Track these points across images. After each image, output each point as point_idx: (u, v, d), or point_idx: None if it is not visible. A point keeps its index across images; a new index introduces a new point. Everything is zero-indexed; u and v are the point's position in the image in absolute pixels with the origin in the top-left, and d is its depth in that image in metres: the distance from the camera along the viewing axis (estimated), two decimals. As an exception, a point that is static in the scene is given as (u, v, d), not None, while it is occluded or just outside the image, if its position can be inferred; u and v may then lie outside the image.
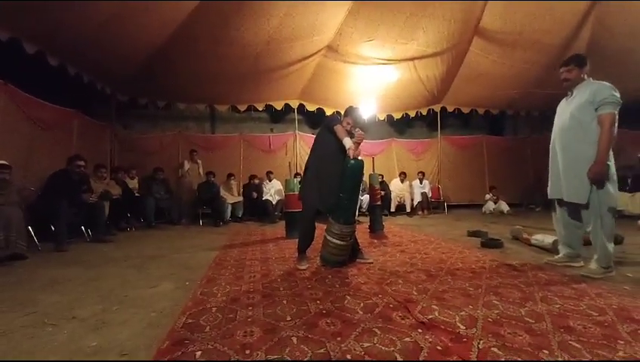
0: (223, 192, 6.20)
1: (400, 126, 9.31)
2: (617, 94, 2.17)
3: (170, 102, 6.65)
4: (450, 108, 7.77)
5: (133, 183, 5.81)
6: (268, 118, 8.73)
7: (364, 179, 3.37)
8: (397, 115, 7.95)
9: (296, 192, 3.55)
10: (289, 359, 1.23)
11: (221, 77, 5.79)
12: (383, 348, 1.29)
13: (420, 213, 7.22)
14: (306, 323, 1.55)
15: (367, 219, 5.03)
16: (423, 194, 7.35)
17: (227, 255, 3.23)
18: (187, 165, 6.52)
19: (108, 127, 6.37)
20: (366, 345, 1.32)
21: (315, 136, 2.91)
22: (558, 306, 1.69)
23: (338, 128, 2.57)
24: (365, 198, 6.08)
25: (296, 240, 2.80)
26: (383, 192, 6.01)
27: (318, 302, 1.84)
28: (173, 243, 4.01)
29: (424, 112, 7.91)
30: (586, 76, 2.36)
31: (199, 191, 6.12)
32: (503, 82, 6.58)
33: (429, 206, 7.45)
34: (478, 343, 1.31)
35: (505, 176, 8.26)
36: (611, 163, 2.18)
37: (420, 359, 1.21)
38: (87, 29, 4.00)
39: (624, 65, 5.69)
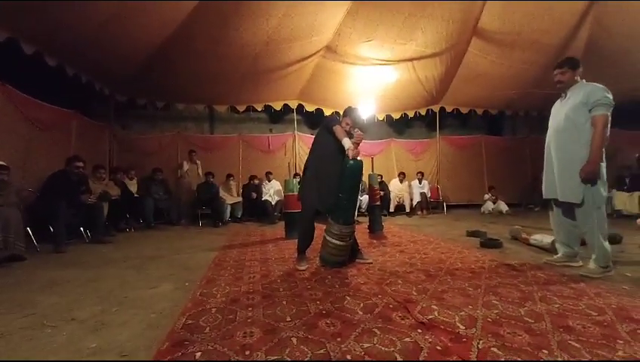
0: (222, 193, 6.20)
1: (399, 126, 9.32)
2: (610, 96, 2.21)
3: (168, 102, 6.64)
4: (448, 109, 7.77)
5: (132, 184, 5.80)
6: (267, 118, 8.72)
7: (363, 179, 3.38)
8: (396, 116, 7.96)
9: (296, 193, 3.55)
10: (289, 359, 1.23)
11: (220, 77, 5.78)
12: (383, 348, 1.30)
13: (419, 213, 7.22)
14: (305, 323, 1.55)
15: (367, 219, 5.03)
16: (422, 195, 7.36)
17: (226, 255, 3.22)
18: (186, 166, 6.50)
19: (106, 127, 6.35)
20: (366, 345, 1.32)
21: (314, 136, 2.91)
22: (557, 306, 1.69)
23: (337, 128, 2.57)
24: (364, 198, 6.08)
25: (296, 240, 2.80)
26: (382, 192, 6.01)
27: (317, 302, 1.84)
28: (172, 244, 4.00)
29: (423, 112, 7.92)
30: (579, 78, 2.39)
31: (198, 192, 6.11)
32: (502, 82, 6.59)
33: (428, 206, 7.45)
34: (478, 343, 1.31)
35: (504, 176, 8.28)
36: (603, 164, 2.22)
37: (420, 359, 1.21)
38: (86, 29, 3.98)
39: (621, 65, 5.72)
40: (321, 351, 1.28)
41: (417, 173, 7.62)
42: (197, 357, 1.26)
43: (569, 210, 2.41)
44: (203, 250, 3.54)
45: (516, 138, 9.11)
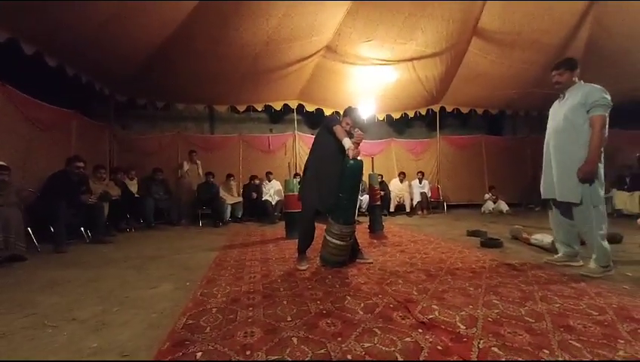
0: (222, 193, 6.20)
1: (399, 126, 9.32)
2: (608, 97, 2.23)
3: (169, 102, 6.64)
4: (449, 108, 7.77)
5: (133, 184, 5.80)
6: (267, 118, 8.72)
7: (363, 179, 3.38)
8: (396, 115, 7.96)
9: (296, 193, 3.55)
10: (290, 359, 1.23)
11: (220, 77, 5.78)
12: (384, 348, 1.30)
13: (419, 212, 7.22)
14: (306, 323, 1.55)
15: (367, 219, 5.03)
16: (423, 194, 7.36)
17: (227, 255, 3.22)
18: (186, 166, 6.51)
19: (107, 127, 6.35)
20: (366, 345, 1.32)
21: (314, 136, 2.91)
22: (557, 305, 1.69)
23: (337, 128, 2.57)
24: (365, 198, 6.08)
25: (296, 240, 2.80)
26: (382, 192, 6.01)
27: (318, 302, 1.84)
28: (172, 244, 4.00)
29: (423, 112, 7.92)
30: (577, 79, 2.41)
31: (199, 192, 6.12)
32: (502, 82, 6.59)
33: (429, 206, 7.46)
34: (479, 343, 1.31)
35: (504, 176, 8.28)
36: (601, 164, 2.23)
37: (421, 359, 1.21)
38: (86, 29, 3.98)
39: (621, 65, 5.71)
40: (322, 351, 1.28)
41: (418, 172, 7.62)
42: (198, 357, 1.26)
43: (567, 210, 2.42)
44: (203, 250, 3.54)
45: (516, 138, 9.11)
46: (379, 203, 4.75)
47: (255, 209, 6.52)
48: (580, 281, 2.10)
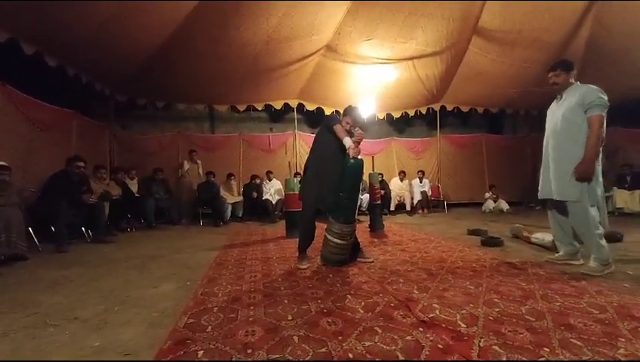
0: (222, 192, 6.20)
1: (399, 125, 9.31)
2: (605, 97, 2.25)
3: (169, 102, 6.64)
4: (449, 107, 7.76)
5: (133, 184, 5.80)
6: (267, 117, 8.71)
7: (363, 178, 3.38)
8: (396, 114, 7.95)
9: (296, 192, 3.54)
10: (291, 358, 1.23)
11: (220, 77, 5.78)
12: (385, 346, 1.30)
13: (419, 211, 7.23)
14: (307, 322, 1.55)
15: (367, 218, 5.03)
16: (423, 193, 7.35)
17: (228, 255, 3.23)
18: (187, 165, 6.51)
19: (107, 127, 6.35)
20: (367, 343, 1.32)
21: (314, 135, 2.92)
22: (558, 304, 1.70)
23: (337, 127, 2.57)
24: (365, 197, 6.08)
25: (297, 239, 2.80)
26: (382, 191, 6.00)
27: (319, 301, 1.84)
28: (173, 244, 4.01)
29: (423, 111, 7.91)
30: (573, 80, 2.43)
31: (199, 192, 6.12)
32: (502, 81, 6.57)
33: (429, 204, 7.45)
34: (479, 341, 1.31)
35: (504, 175, 8.27)
36: (599, 164, 2.24)
37: (422, 358, 1.21)
38: (86, 29, 3.98)
39: (622, 63, 5.70)
40: (323, 350, 1.28)
41: (418, 171, 7.61)
42: (199, 356, 1.26)
43: (565, 209, 2.43)
44: (204, 250, 3.55)
45: (517, 136, 9.10)
46: (379, 202, 4.75)
47: (255, 208, 6.52)
48: (581, 280, 2.11)
